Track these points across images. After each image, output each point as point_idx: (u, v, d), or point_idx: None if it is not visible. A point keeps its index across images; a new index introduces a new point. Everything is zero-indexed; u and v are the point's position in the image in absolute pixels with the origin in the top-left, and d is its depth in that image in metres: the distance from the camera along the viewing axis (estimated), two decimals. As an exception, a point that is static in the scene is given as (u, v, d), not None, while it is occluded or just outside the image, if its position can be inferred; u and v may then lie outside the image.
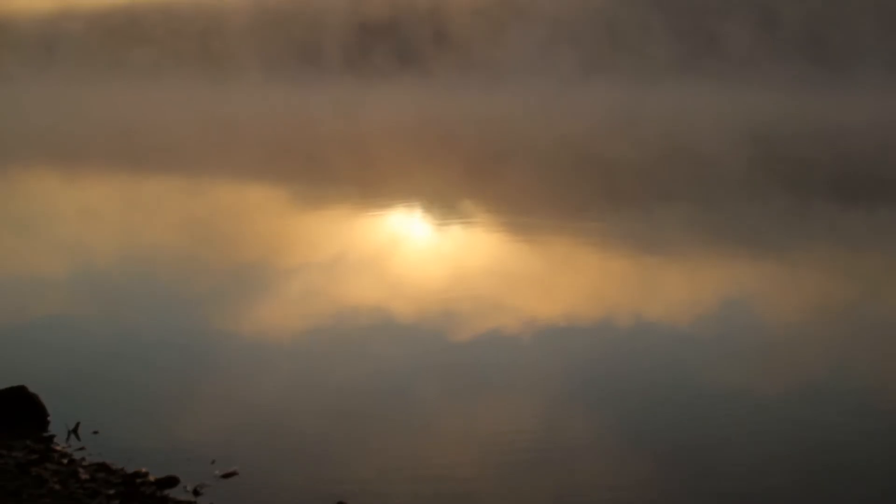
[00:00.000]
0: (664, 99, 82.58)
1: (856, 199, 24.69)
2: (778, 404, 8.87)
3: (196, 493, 6.99)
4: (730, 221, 20.30)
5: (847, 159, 36.31)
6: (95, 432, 8.04)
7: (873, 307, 12.67)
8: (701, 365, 10.09)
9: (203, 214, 21.10)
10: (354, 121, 61.12)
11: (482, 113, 68.55)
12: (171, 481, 7.10)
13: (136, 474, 7.18)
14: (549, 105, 76.26)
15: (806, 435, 8.17)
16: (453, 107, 74.86)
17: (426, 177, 28.86)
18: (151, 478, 7.14)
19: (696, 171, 31.25)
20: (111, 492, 6.90)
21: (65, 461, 7.47)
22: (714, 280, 14.50)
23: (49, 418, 8.28)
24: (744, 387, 9.31)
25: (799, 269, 15.27)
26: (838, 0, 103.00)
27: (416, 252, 16.88)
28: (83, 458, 7.56)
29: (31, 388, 8.35)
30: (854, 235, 18.50)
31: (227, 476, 7.24)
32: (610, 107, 73.89)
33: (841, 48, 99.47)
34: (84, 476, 7.16)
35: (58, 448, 7.76)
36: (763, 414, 8.60)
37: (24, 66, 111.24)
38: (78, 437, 7.97)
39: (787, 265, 15.51)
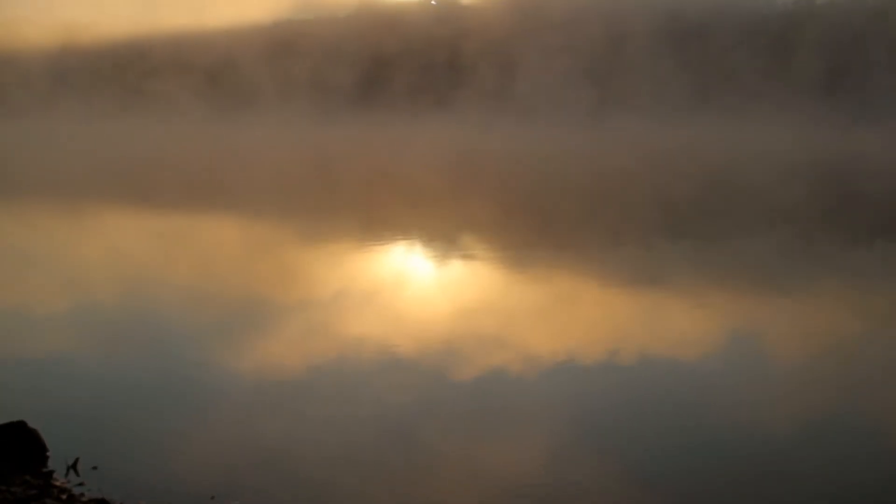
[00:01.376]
0: (686, 132, 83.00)
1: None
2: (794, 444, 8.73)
3: (193, 529, 6.89)
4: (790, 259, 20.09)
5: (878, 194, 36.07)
6: (95, 468, 7.97)
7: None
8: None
9: (208, 250, 21.12)
10: (372, 155, 61.28)
11: (503, 147, 68.64)
12: (169, 518, 7.01)
13: (135, 510, 7.10)
14: (569, 139, 76.39)
15: (817, 474, 8.01)
16: (471, 141, 74.88)
17: (458, 212, 28.69)
18: (149, 514, 7.05)
19: (735, 205, 31.08)
20: (108, 528, 6.82)
21: (64, 496, 7.39)
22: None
23: (48, 453, 8.21)
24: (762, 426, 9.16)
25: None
26: (854, 33, 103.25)
27: (450, 290, 16.40)
28: (82, 494, 7.48)
29: (31, 424, 8.29)
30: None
31: (225, 512, 7.15)
32: (632, 140, 73.99)
33: (857, 81, 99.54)
34: (82, 512, 7.09)
35: (57, 483, 7.69)
36: (781, 454, 8.45)
37: (33, 100, 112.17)
38: (77, 473, 7.90)
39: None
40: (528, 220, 27.35)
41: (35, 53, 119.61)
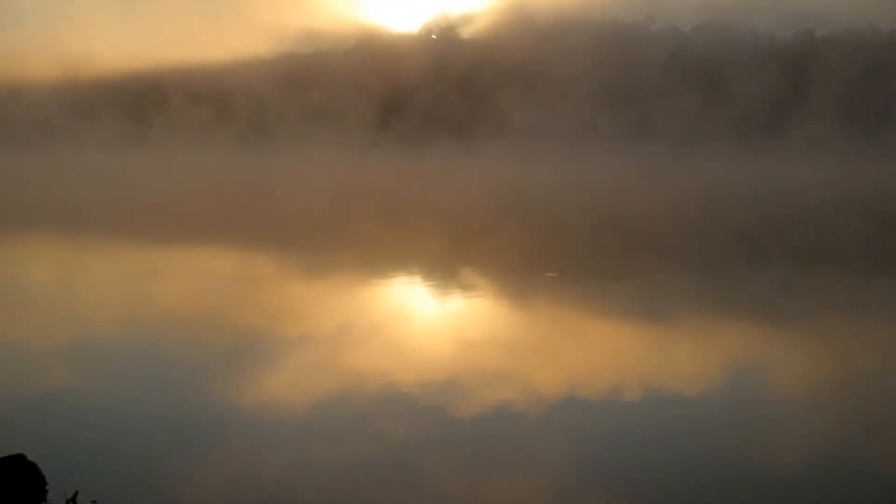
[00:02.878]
0: (696, 164, 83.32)
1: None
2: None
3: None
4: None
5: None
6: (94, 502, 7.91)
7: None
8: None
9: (212, 284, 21.07)
10: (397, 188, 61.21)
11: (522, 180, 68.21)
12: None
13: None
14: (586, 170, 76.22)
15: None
16: (496, 173, 74.28)
17: (489, 245, 28.43)
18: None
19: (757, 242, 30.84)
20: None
21: (61, 531, 7.34)
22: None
23: (47, 487, 8.15)
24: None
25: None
26: (870, 63, 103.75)
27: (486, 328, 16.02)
28: (80, 528, 7.44)
29: (30, 457, 8.24)
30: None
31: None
32: (664, 172, 73.86)
33: (874, 112, 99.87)
34: (79, 547, 7.02)
35: (55, 517, 7.65)
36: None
37: (38, 132, 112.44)
38: (76, 507, 7.86)
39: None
40: (626, 253, 27.11)
41: (39, 86, 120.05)
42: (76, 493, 7.99)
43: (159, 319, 16.20)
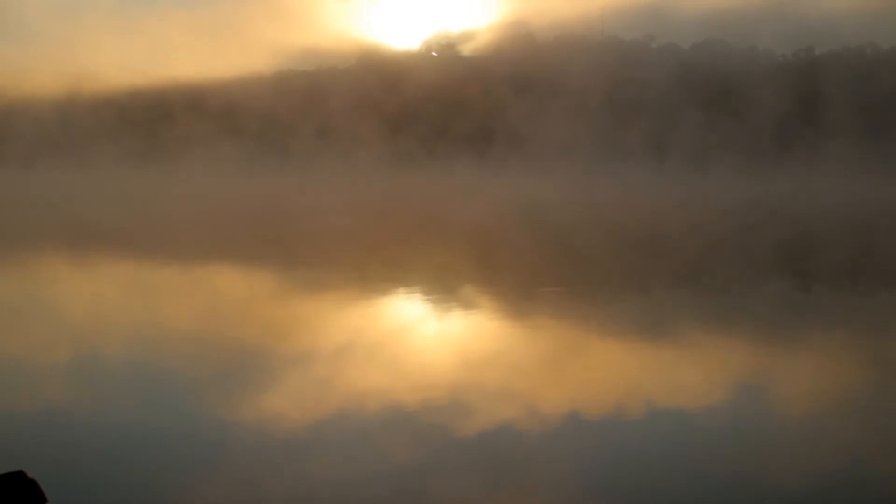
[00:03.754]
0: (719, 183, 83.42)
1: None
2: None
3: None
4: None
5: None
6: (94, 519, 7.86)
7: None
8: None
9: (217, 301, 21.00)
10: (388, 203, 61.23)
11: (536, 194, 68.06)
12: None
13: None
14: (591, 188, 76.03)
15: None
16: (513, 190, 74.21)
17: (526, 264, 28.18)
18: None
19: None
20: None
21: (61, 549, 7.26)
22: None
23: (47, 504, 8.08)
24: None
25: None
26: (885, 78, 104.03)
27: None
28: (80, 546, 7.36)
29: (30, 474, 8.15)
30: None
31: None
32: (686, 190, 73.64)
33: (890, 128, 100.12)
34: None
35: (55, 535, 7.56)
36: None
37: (42, 149, 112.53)
38: (76, 524, 7.79)
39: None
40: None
41: (44, 102, 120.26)
42: (76, 511, 7.93)
43: (163, 336, 16.11)
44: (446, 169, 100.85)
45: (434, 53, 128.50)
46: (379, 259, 28.96)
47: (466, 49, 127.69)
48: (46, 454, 9.34)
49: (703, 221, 46.98)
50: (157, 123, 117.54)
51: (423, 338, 16.44)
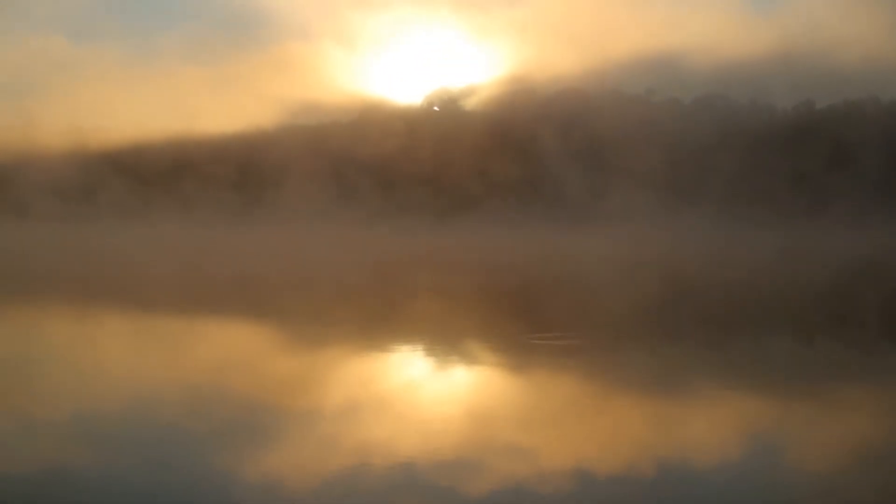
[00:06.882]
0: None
1: None
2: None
3: None
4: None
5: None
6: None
7: None
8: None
9: (219, 356, 20.76)
10: (381, 260, 61.06)
11: (547, 251, 67.74)
12: None
13: None
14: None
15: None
16: (530, 247, 73.82)
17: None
18: None
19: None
20: None
21: None
22: None
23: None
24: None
25: None
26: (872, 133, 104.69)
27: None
28: None
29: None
30: None
31: None
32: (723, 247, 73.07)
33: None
34: None
35: None
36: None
37: (49, 204, 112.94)
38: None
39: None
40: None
41: (50, 156, 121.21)
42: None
43: (166, 393, 15.79)
44: (446, 225, 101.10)
45: (436, 108, 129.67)
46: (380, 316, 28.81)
47: (468, 104, 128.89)
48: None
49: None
50: (160, 177, 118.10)
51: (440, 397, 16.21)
